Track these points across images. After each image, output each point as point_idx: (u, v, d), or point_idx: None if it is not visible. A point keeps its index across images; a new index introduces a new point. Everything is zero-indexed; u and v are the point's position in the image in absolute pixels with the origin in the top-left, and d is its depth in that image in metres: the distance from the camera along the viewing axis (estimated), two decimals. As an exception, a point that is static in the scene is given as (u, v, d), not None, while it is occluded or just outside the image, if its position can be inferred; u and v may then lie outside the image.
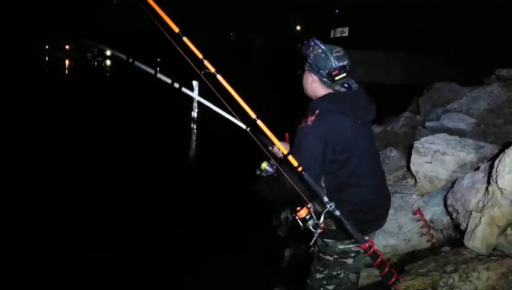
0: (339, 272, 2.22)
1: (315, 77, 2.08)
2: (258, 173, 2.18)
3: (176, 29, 1.84)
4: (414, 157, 4.08)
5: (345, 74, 2.05)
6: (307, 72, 2.12)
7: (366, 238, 2.01)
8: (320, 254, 2.21)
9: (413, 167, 4.09)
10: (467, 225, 2.93)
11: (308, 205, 1.93)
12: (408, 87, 9.33)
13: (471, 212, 2.96)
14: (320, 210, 1.98)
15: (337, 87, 2.07)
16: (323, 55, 2.02)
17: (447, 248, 3.21)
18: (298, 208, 1.94)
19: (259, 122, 1.90)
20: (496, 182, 2.75)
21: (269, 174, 2.14)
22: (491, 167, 2.90)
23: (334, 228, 2.07)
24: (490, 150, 3.82)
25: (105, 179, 6.46)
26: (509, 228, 2.77)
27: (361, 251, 2.11)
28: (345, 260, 2.18)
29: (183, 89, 2.18)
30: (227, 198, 5.83)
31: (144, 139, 9.22)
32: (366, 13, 26.33)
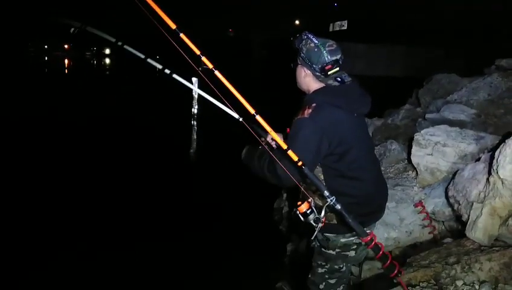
0: (341, 266, 2.23)
1: (308, 71, 2.08)
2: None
3: (173, 26, 1.83)
4: (415, 150, 4.07)
5: (338, 68, 2.04)
6: (300, 66, 2.12)
7: (368, 231, 2.01)
8: (322, 249, 2.22)
9: (414, 159, 4.08)
10: (469, 216, 2.93)
11: (309, 200, 1.93)
12: (408, 80, 9.29)
13: (473, 203, 2.96)
14: (321, 204, 1.98)
15: (330, 82, 2.06)
16: (315, 50, 2.02)
17: (449, 240, 3.21)
18: (299, 203, 1.93)
19: (258, 117, 1.89)
20: (497, 172, 2.75)
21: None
22: (492, 157, 2.89)
23: (335, 222, 2.08)
24: (491, 140, 3.81)
25: (106, 176, 6.48)
26: (510, 218, 2.76)
27: (362, 243, 2.10)
28: (347, 253, 2.19)
29: (174, 76, 2.17)
30: (228, 193, 5.84)
31: (145, 136, 9.23)
32: (365, 6, 26.24)
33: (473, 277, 2.52)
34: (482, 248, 2.73)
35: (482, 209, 2.82)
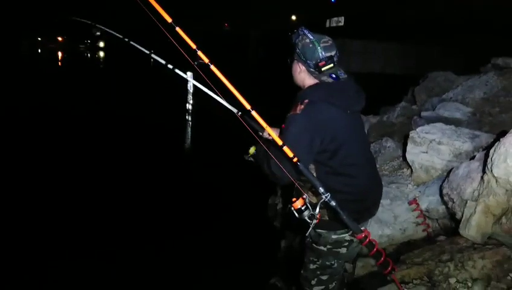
0: (333, 262, 2.23)
1: (303, 67, 2.08)
2: (247, 158, 2.17)
3: (169, 20, 1.81)
4: (410, 147, 4.08)
5: (332, 65, 2.03)
6: (295, 61, 2.11)
7: (362, 228, 2.01)
8: (314, 245, 2.22)
9: (409, 157, 4.09)
10: (462, 214, 2.94)
11: (304, 196, 1.92)
12: (404, 77, 9.32)
13: (467, 201, 2.97)
14: (315, 201, 1.97)
15: (324, 78, 2.06)
16: (310, 46, 2.01)
17: (442, 237, 3.22)
18: (293, 199, 1.92)
19: (253, 113, 1.88)
20: (491, 171, 2.75)
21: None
22: (486, 156, 2.90)
23: (327, 218, 2.07)
24: (485, 139, 3.82)
25: (101, 173, 6.43)
26: (504, 217, 2.77)
27: (355, 239, 2.12)
28: (338, 250, 2.19)
29: (177, 70, 2.17)
30: (222, 190, 5.83)
31: (139, 132, 9.18)
32: (363, 3, 26.25)
33: (466, 275, 2.53)
34: (475, 245, 2.74)
35: (475, 208, 2.83)
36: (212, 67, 1.83)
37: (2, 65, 21.94)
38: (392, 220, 3.65)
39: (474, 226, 2.79)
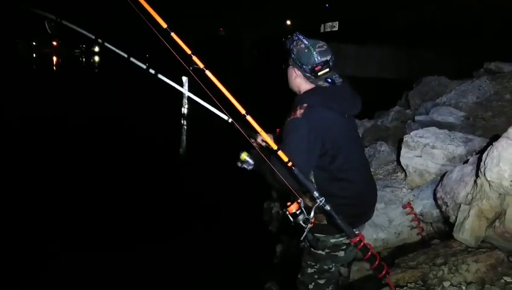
0: (330, 266, 2.24)
1: (298, 72, 2.09)
2: (239, 164, 2.17)
3: (164, 25, 1.82)
4: (404, 151, 4.10)
5: (328, 69, 2.04)
6: (290, 66, 2.12)
7: (357, 232, 2.02)
8: (312, 249, 2.23)
9: (403, 161, 4.11)
10: (456, 218, 2.96)
11: (299, 200, 1.93)
12: (398, 82, 9.36)
13: (460, 205, 2.98)
14: (310, 205, 1.98)
15: (320, 82, 2.07)
16: (306, 50, 2.02)
17: (436, 241, 3.23)
18: (288, 203, 1.93)
19: (248, 117, 1.89)
20: (484, 174, 2.77)
21: (250, 165, 2.14)
22: (479, 159, 2.92)
23: (325, 222, 2.08)
24: (479, 143, 3.85)
25: (98, 177, 6.40)
26: (497, 220, 2.79)
27: (352, 243, 2.11)
28: (336, 253, 2.20)
29: (159, 76, 2.18)
30: (218, 194, 5.82)
31: (135, 137, 9.15)
32: (357, 7, 26.37)
33: (460, 278, 2.54)
34: (469, 249, 2.76)
35: (469, 211, 2.85)
36: (207, 72, 1.84)
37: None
38: (386, 224, 3.66)
39: (467, 229, 2.81)
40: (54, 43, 55.63)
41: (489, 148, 2.86)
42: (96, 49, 54.50)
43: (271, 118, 2.37)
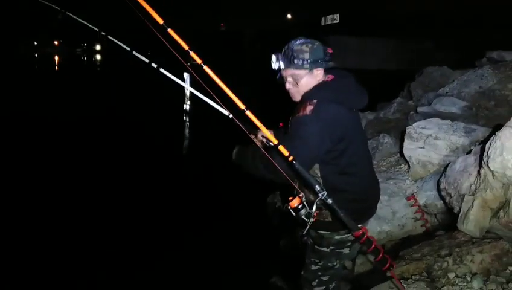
0: (335, 263, 2.22)
1: (302, 72, 2.04)
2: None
3: (160, 21, 1.80)
4: (407, 143, 4.08)
5: (333, 63, 2.06)
6: (307, 74, 2.05)
7: (359, 225, 2.01)
8: (316, 246, 2.21)
9: (406, 153, 4.10)
10: (460, 209, 2.94)
11: (300, 195, 1.92)
12: (400, 73, 9.31)
13: (464, 196, 2.97)
14: (312, 199, 1.97)
15: (328, 77, 2.07)
16: (315, 46, 2.02)
17: (441, 232, 3.23)
18: (290, 198, 1.92)
19: (248, 112, 1.87)
20: (488, 164, 2.76)
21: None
22: (483, 150, 2.90)
23: (330, 219, 2.06)
24: (482, 133, 3.83)
25: (99, 174, 6.42)
26: (501, 211, 2.77)
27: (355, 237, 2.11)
28: (341, 250, 2.19)
29: (161, 70, 2.17)
30: (221, 189, 5.82)
31: (137, 134, 9.16)
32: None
33: (464, 269, 2.53)
34: (474, 240, 2.75)
35: (473, 202, 2.83)
36: (205, 67, 1.82)
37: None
38: (390, 216, 3.65)
39: (472, 220, 2.79)
40: (56, 42, 55.66)
41: (492, 138, 2.83)
42: (98, 47, 54.58)
43: (273, 112, 2.35)
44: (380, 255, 2.06)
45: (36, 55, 45.96)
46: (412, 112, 5.41)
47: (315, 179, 1.93)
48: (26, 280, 3.77)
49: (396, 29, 22.76)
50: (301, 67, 2.03)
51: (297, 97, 2.12)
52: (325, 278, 2.24)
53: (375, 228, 3.57)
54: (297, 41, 2.05)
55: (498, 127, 2.96)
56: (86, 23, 2.31)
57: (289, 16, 40.29)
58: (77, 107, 12.74)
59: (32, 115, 10.85)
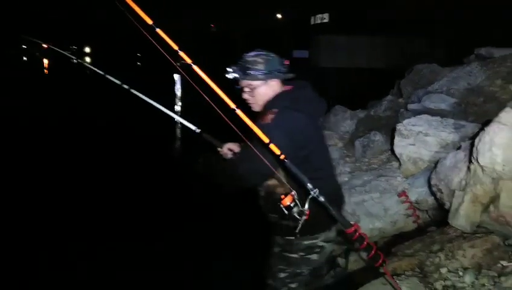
0: (303, 271, 2.23)
1: (257, 82, 2.13)
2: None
3: (149, 21, 1.80)
4: (397, 140, 4.11)
5: (290, 74, 2.17)
6: (260, 83, 2.14)
7: (352, 222, 2.01)
8: (284, 253, 2.22)
9: (397, 150, 4.12)
10: (451, 204, 2.96)
11: (292, 193, 1.92)
12: (390, 71, 9.36)
13: (455, 191, 2.99)
14: (304, 197, 1.97)
15: (286, 87, 2.16)
16: (269, 58, 2.12)
17: (433, 228, 3.25)
18: (282, 196, 1.92)
19: (238, 111, 1.87)
20: (477, 160, 2.78)
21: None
22: (472, 145, 2.92)
23: (299, 225, 2.03)
24: (471, 128, 3.86)
25: (93, 174, 6.45)
26: (491, 205, 2.80)
27: (326, 246, 2.18)
28: (310, 256, 2.20)
29: (132, 90, 2.25)
30: (216, 189, 5.78)
31: (129, 136, 9.13)
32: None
33: (456, 264, 2.55)
34: (465, 235, 2.76)
35: (463, 197, 2.85)
36: (195, 67, 1.82)
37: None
38: (382, 213, 3.67)
39: (462, 215, 2.82)
40: (44, 45, 55.23)
41: (481, 133, 2.86)
42: (87, 50, 54.24)
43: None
44: (373, 252, 2.06)
45: (25, 58, 45.49)
46: (402, 110, 5.44)
47: (306, 177, 1.93)
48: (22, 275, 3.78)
49: (386, 27, 22.85)
50: (256, 78, 2.12)
51: (255, 107, 2.21)
52: (293, 286, 2.25)
53: (368, 225, 3.59)
54: (252, 53, 2.14)
55: (487, 123, 2.99)
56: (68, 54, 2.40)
57: (279, 15, 40.31)
58: (67, 109, 12.66)
59: (23, 119, 10.78)
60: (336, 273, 3.53)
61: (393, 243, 3.31)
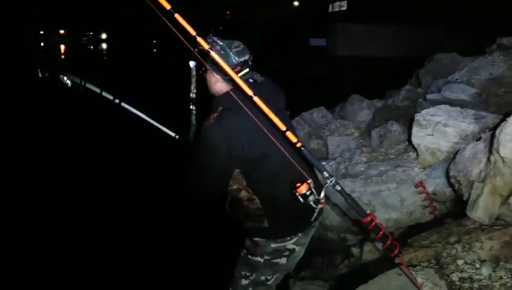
0: (268, 277, 2.11)
1: (218, 76, 2.01)
2: None
3: (168, 6, 1.79)
4: (415, 130, 4.05)
5: (247, 69, 2.01)
6: (209, 71, 2.03)
7: (368, 211, 1.99)
8: (249, 256, 2.09)
9: (414, 140, 4.07)
10: (469, 196, 2.92)
11: (308, 181, 1.90)
12: (409, 60, 9.19)
13: (474, 183, 2.94)
14: (320, 185, 1.95)
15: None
16: (222, 52, 1.94)
17: (450, 219, 3.20)
18: (298, 184, 1.89)
19: (256, 99, 1.85)
20: (498, 151, 2.73)
21: None
22: (493, 136, 2.87)
23: (267, 225, 2.00)
24: (492, 119, 3.79)
25: (90, 178, 6.30)
26: (511, 197, 2.75)
27: (296, 249, 2.06)
28: (277, 260, 2.07)
29: (123, 104, 2.26)
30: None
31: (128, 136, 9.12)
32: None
33: (473, 256, 2.52)
34: (483, 227, 2.72)
35: (482, 189, 2.81)
36: (212, 53, 1.81)
37: (10, 60, 21.97)
38: (398, 204, 3.64)
39: (481, 207, 2.77)
40: (62, 31, 55.68)
41: (502, 124, 2.80)
42: (104, 36, 54.60)
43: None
44: (388, 242, 2.04)
45: (42, 44, 45.98)
46: (420, 99, 5.35)
47: (323, 166, 1.92)
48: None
49: (405, 16, 22.45)
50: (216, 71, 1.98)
51: (210, 91, 2.11)
52: None
53: (383, 215, 3.56)
54: (219, 43, 1.98)
55: (508, 114, 2.93)
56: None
57: (296, 3, 39.93)
58: (81, 100, 12.71)
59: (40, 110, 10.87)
60: (350, 263, 3.52)
61: (409, 234, 3.27)
